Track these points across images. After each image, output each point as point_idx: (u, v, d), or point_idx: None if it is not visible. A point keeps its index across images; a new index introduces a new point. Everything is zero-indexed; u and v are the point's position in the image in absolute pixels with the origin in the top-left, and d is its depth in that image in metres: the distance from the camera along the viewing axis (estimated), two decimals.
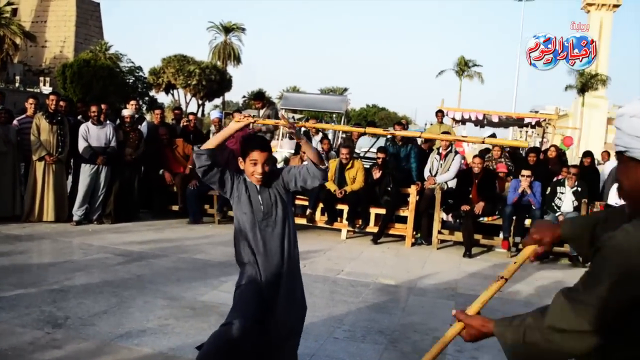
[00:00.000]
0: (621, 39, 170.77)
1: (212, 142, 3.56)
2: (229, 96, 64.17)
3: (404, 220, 9.81)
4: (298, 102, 18.16)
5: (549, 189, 9.63)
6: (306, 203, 9.97)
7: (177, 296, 5.80)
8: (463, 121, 17.59)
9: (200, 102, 56.88)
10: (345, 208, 9.85)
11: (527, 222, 9.38)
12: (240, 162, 3.59)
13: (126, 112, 10.10)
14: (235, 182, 3.57)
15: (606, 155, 12.94)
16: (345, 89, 78.65)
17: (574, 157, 21.40)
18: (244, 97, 76.94)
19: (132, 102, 11.24)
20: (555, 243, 2.12)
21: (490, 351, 4.91)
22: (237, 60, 65.64)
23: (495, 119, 17.75)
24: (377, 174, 9.92)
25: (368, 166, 10.37)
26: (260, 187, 3.55)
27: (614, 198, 9.48)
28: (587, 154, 11.80)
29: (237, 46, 66.03)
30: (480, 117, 17.47)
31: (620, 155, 1.63)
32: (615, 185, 9.59)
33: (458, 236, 9.66)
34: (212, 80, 54.29)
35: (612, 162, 11.57)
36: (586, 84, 55.31)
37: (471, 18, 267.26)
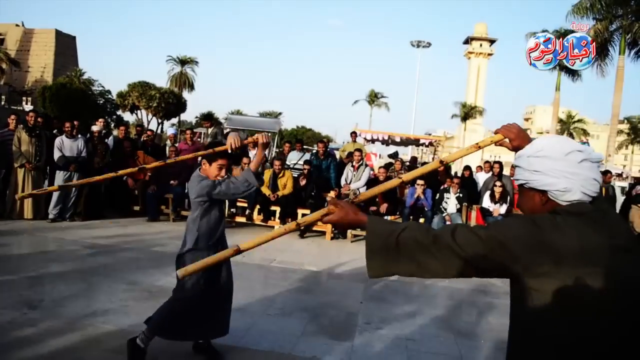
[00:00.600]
0: (494, 80, 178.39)
1: (254, 166, 3.63)
2: (183, 116, 62.86)
3: None
4: (240, 122, 17.97)
5: (437, 195, 9.87)
6: (245, 205, 9.88)
7: (136, 281, 5.62)
8: (372, 140, 17.86)
9: (159, 121, 55.41)
10: (277, 209, 9.80)
11: (421, 220, 9.59)
12: (205, 164, 3.59)
13: (95, 128, 9.85)
14: None
15: (479, 168, 13.27)
16: (280, 113, 78.34)
17: (458, 170, 22.00)
18: (196, 117, 75.69)
19: (100, 119, 10.90)
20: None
21: (393, 323, 4.99)
22: (191, 87, 64.42)
23: (397, 139, 18.14)
24: (303, 182, 9.93)
25: (296, 175, 10.37)
26: None
27: (486, 202, 9.81)
28: (467, 167, 12.14)
29: (191, 76, 64.81)
30: (386, 138, 17.82)
31: (520, 187, 1.69)
32: (487, 192, 9.94)
33: None
34: (170, 103, 53.02)
35: (485, 174, 11.92)
36: (467, 113, 57.15)
37: (381, 57, 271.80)
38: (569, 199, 1.55)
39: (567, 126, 58.04)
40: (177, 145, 10.92)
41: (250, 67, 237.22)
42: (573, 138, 52.08)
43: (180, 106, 56.32)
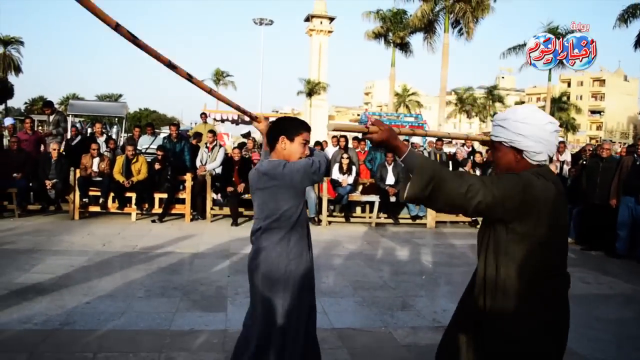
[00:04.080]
0: (335, 56, 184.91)
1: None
2: (11, 103, 56.90)
3: (182, 201, 9.91)
4: (83, 108, 17.08)
5: None
6: (99, 193, 9.60)
7: None
8: (222, 120, 17.90)
9: None
10: (133, 195, 9.68)
11: None
12: (283, 141, 2.62)
13: None
14: None
15: (325, 143, 13.85)
16: (120, 95, 74.24)
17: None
18: (26, 103, 69.24)
19: None
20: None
21: None
22: (17, 69, 58.49)
23: (247, 119, 18.35)
24: (158, 166, 9.88)
25: (150, 160, 10.25)
26: None
27: (336, 174, 10.53)
28: (317, 143, 12.77)
29: (17, 57, 58.74)
30: (236, 117, 17.97)
31: (498, 144, 2.05)
32: (336, 165, 10.62)
33: (226, 210, 10.02)
34: None
35: (332, 148, 12.53)
36: (312, 89, 58.84)
37: (225, 36, 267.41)
38: (538, 160, 1.98)
39: (403, 99, 62.28)
40: (17, 135, 10.18)
41: (83, 48, 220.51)
42: (409, 110, 56.21)
43: (7, 91, 51.01)
